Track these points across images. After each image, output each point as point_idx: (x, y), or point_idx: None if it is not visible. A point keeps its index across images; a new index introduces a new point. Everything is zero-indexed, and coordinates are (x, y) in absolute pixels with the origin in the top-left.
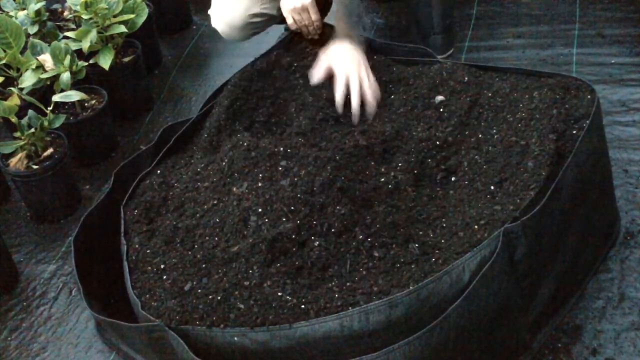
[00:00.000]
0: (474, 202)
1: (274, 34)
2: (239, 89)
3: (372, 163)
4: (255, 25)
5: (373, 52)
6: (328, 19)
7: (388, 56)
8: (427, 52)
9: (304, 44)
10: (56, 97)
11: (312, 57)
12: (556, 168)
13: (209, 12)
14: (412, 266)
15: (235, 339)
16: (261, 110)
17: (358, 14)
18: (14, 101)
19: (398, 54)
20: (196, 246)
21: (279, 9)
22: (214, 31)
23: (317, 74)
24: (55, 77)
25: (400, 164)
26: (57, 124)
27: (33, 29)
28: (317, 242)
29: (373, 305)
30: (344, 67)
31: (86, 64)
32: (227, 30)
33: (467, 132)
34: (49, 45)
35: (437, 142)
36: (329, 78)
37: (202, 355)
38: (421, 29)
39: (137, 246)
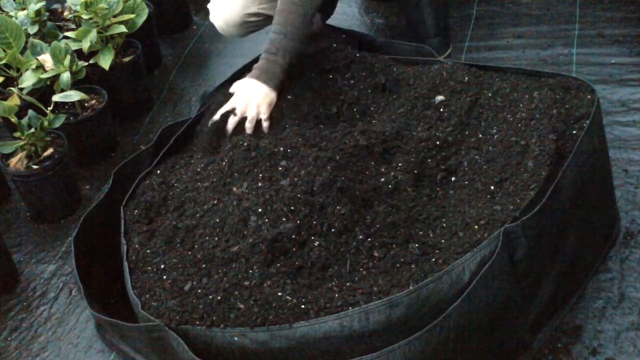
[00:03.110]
0: (474, 202)
1: None
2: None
3: (372, 163)
4: (252, 24)
5: (374, 51)
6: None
7: (389, 55)
8: (428, 51)
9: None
10: (56, 97)
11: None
12: (556, 168)
13: (208, 5)
14: (412, 266)
15: (235, 339)
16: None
17: (287, 51)
18: (14, 101)
19: (399, 52)
20: (196, 246)
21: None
22: (214, 31)
23: (222, 109)
24: (55, 77)
25: (400, 164)
26: (57, 124)
27: (33, 29)
28: (317, 242)
29: (373, 305)
30: (238, 95)
31: (86, 64)
32: (224, 26)
33: (467, 132)
34: (49, 45)
35: (437, 142)
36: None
37: (202, 355)
38: (416, 33)
39: (137, 246)
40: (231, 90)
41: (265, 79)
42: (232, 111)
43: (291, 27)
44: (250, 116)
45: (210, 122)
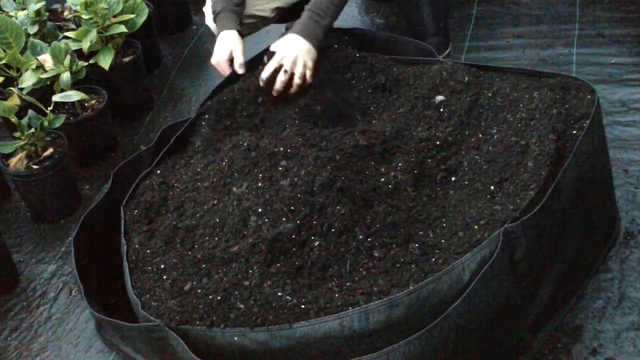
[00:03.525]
0: (474, 202)
1: (273, 34)
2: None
3: (372, 163)
4: (248, 26)
5: (375, 47)
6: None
7: (391, 52)
8: (430, 50)
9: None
10: (56, 97)
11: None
12: (556, 168)
13: (204, 9)
14: (412, 266)
15: (235, 339)
16: (262, 110)
17: (328, 15)
18: (14, 101)
19: (401, 48)
20: (196, 246)
21: (273, 11)
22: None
23: (265, 72)
24: (55, 77)
25: (400, 164)
26: (57, 124)
27: (33, 29)
28: (317, 242)
29: (373, 305)
30: (284, 50)
31: (86, 64)
32: None
33: (467, 132)
34: (49, 45)
35: (437, 142)
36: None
37: (202, 355)
38: (415, 33)
39: (137, 246)
40: (273, 48)
41: (308, 36)
42: (279, 68)
43: (335, 5)
44: (299, 72)
45: (260, 81)
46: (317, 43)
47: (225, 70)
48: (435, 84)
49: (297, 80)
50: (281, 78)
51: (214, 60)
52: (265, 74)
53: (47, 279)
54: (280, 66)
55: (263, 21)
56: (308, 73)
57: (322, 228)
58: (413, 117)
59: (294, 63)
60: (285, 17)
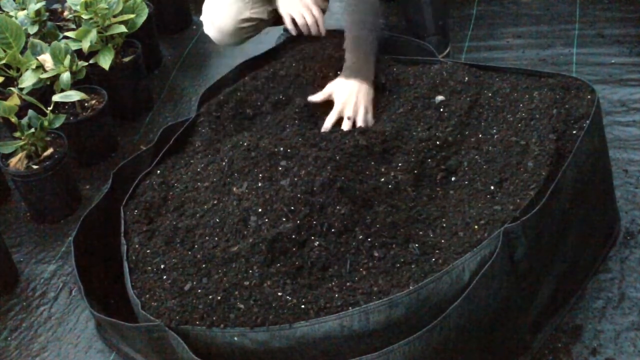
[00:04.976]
0: (474, 202)
1: (273, 34)
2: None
3: (372, 163)
4: (246, 30)
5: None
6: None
7: (391, 52)
8: (430, 50)
9: (303, 48)
10: (56, 97)
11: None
12: (556, 168)
13: (201, 18)
14: (412, 266)
15: (235, 339)
16: (262, 109)
17: (371, 43)
18: (14, 101)
19: (401, 48)
20: (196, 246)
21: (269, 13)
22: None
23: (316, 98)
24: (55, 77)
25: (400, 164)
26: (57, 124)
27: (33, 29)
28: (317, 242)
29: (373, 305)
30: (343, 97)
31: (86, 64)
32: (219, 36)
33: (467, 132)
34: (49, 45)
35: (437, 142)
36: (326, 103)
37: (202, 355)
38: (415, 31)
39: (137, 246)
40: (328, 90)
41: (363, 77)
42: (341, 118)
43: (369, 22)
44: (360, 119)
45: (323, 129)
46: (372, 78)
47: (320, 30)
48: (435, 84)
49: (360, 124)
50: (346, 125)
51: (338, 115)
52: (328, 124)
53: (47, 279)
54: (341, 115)
55: (261, 24)
56: (369, 117)
57: (322, 228)
58: (413, 117)
59: (356, 112)
60: (281, 19)
